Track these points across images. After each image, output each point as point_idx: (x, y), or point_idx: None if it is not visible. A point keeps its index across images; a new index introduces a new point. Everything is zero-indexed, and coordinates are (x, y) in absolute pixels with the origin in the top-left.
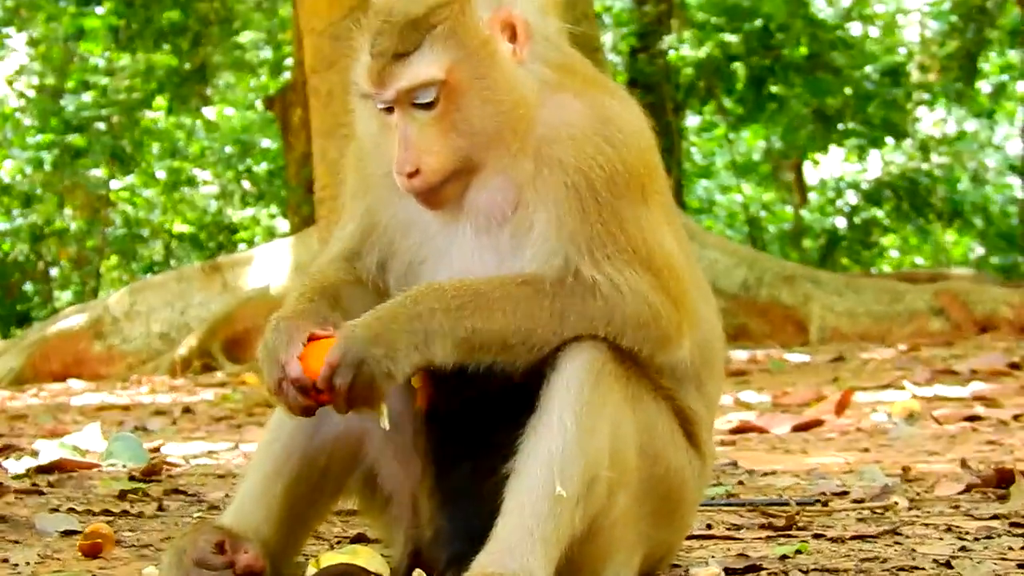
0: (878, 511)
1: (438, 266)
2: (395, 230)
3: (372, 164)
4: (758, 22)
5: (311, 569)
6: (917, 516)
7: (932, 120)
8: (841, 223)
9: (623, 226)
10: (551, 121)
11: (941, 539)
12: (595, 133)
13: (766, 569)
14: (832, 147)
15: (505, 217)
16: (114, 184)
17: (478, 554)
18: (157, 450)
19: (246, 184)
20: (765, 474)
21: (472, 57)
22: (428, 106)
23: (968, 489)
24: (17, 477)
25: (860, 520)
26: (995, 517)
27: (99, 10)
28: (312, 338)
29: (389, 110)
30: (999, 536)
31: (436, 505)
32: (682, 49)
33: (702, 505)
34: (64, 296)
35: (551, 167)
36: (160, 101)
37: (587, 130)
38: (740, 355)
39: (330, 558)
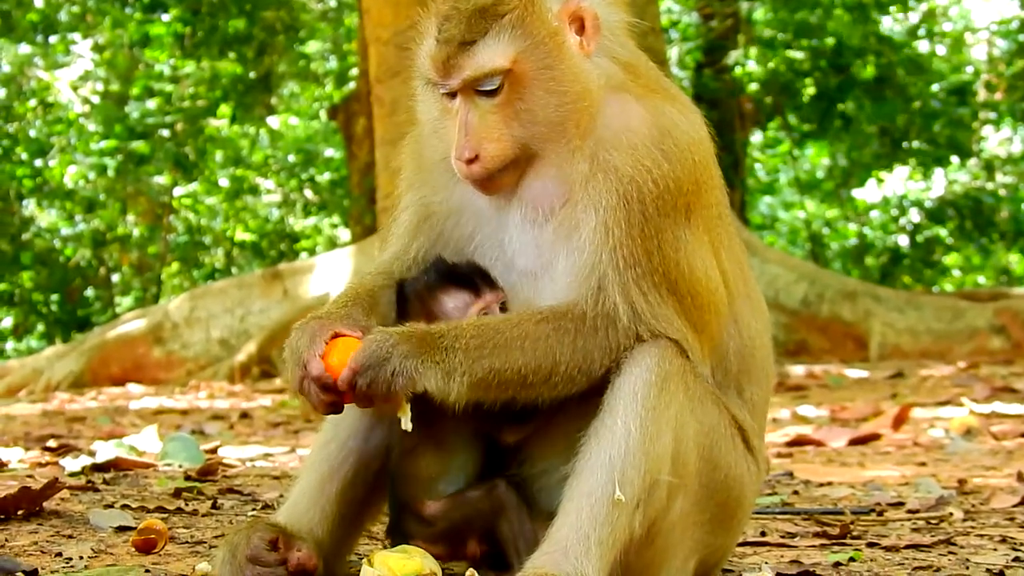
0: (933, 521)
1: (489, 251)
2: (447, 216)
3: (429, 149)
4: (826, 39)
5: (365, 568)
6: (972, 527)
7: (998, 139)
8: (904, 241)
9: (661, 246)
10: (612, 125)
11: (995, 550)
12: (653, 144)
13: (819, 575)
14: (896, 165)
15: (553, 211)
16: (177, 191)
17: (532, 554)
18: (214, 452)
19: (308, 193)
20: (821, 485)
21: (539, 47)
22: (492, 93)
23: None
24: (73, 474)
25: (915, 530)
26: None
27: (165, 17)
28: (337, 336)
29: (452, 95)
30: None
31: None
32: (748, 65)
33: (756, 513)
34: (125, 301)
35: (606, 172)
36: (224, 109)
37: (646, 139)
38: (798, 370)
39: (383, 558)
